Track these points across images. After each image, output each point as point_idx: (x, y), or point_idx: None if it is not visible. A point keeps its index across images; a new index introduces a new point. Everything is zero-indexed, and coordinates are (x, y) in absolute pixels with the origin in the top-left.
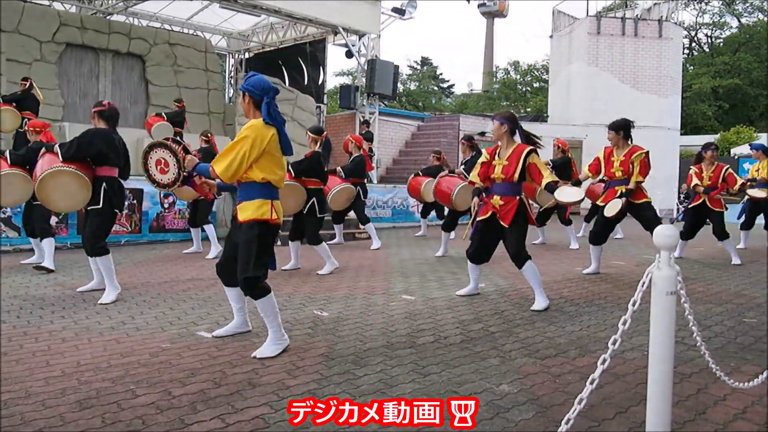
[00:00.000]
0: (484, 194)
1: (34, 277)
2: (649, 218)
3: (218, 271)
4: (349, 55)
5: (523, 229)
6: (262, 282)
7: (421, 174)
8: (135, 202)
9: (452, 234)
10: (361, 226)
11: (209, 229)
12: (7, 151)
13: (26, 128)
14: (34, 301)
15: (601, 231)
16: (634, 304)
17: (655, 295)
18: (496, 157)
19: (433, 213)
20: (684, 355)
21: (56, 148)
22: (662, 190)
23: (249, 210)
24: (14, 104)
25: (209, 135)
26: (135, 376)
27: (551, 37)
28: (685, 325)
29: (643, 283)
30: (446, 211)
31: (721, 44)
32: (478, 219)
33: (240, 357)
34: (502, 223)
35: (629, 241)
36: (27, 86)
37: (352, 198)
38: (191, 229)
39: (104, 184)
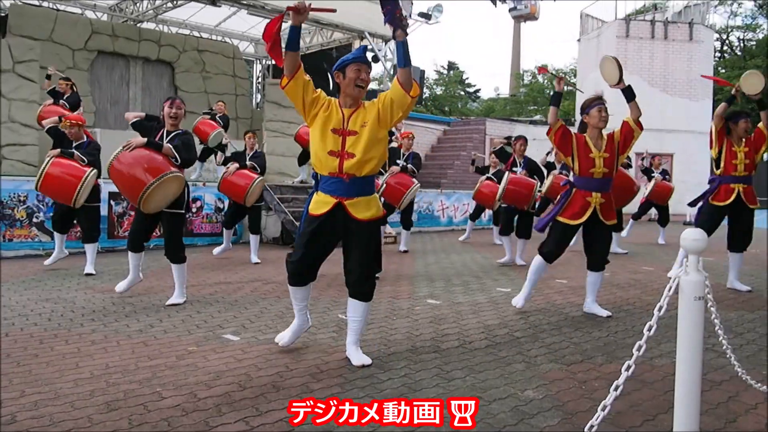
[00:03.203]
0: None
1: (65, 280)
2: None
3: (297, 269)
4: (375, 60)
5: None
6: None
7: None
8: None
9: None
10: (390, 229)
11: (254, 238)
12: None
13: (65, 120)
14: (64, 304)
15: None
16: (660, 310)
17: (682, 300)
18: (593, 149)
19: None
20: (715, 362)
21: (170, 148)
22: (694, 195)
23: (372, 208)
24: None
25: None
26: (161, 378)
27: (579, 40)
28: (715, 331)
29: (670, 287)
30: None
31: (754, 47)
32: (569, 223)
33: (265, 360)
34: (602, 219)
35: (658, 247)
36: (70, 88)
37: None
38: (225, 230)
39: (186, 188)
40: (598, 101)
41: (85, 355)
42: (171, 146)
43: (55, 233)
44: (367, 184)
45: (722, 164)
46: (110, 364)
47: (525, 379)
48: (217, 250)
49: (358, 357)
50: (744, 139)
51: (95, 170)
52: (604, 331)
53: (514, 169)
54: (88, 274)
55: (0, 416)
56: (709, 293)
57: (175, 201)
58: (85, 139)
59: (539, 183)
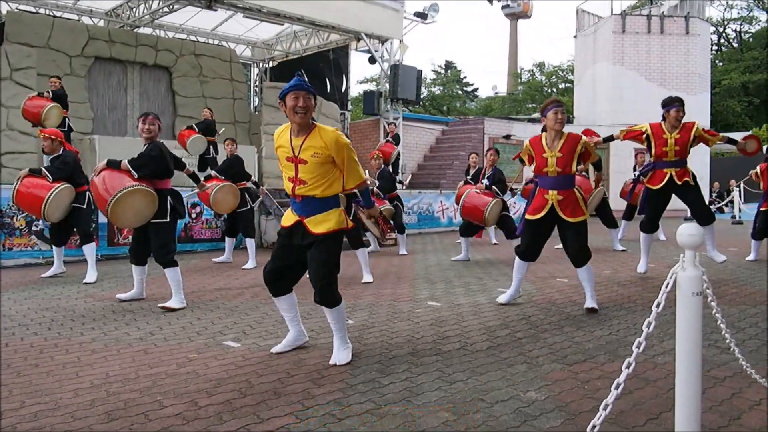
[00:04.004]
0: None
1: (64, 288)
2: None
3: (269, 279)
4: (372, 60)
5: (585, 223)
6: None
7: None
8: None
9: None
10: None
11: (250, 242)
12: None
13: (39, 134)
14: (65, 313)
15: (656, 216)
16: (658, 306)
17: (680, 296)
18: (546, 149)
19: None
20: (717, 358)
21: (126, 164)
22: None
23: (330, 221)
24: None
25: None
26: (162, 386)
27: (575, 37)
28: (717, 327)
29: (667, 284)
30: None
31: (751, 39)
32: (530, 218)
33: (266, 366)
34: (563, 216)
35: (658, 243)
36: (60, 84)
37: (392, 215)
38: (226, 238)
39: (169, 198)
40: (555, 104)
41: (86, 365)
42: (126, 161)
43: (53, 247)
44: (326, 203)
45: (653, 151)
46: (110, 373)
47: (527, 380)
48: (217, 258)
49: (334, 356)
50: (678, 127)
51: (66, 185)
52: (606, 329)
53: (483, 180)
54: (87, 283)
55: (0, 428)
56: (708, 288)
57: (159, 212)
58: (61, 151)
59: (498, 196)
